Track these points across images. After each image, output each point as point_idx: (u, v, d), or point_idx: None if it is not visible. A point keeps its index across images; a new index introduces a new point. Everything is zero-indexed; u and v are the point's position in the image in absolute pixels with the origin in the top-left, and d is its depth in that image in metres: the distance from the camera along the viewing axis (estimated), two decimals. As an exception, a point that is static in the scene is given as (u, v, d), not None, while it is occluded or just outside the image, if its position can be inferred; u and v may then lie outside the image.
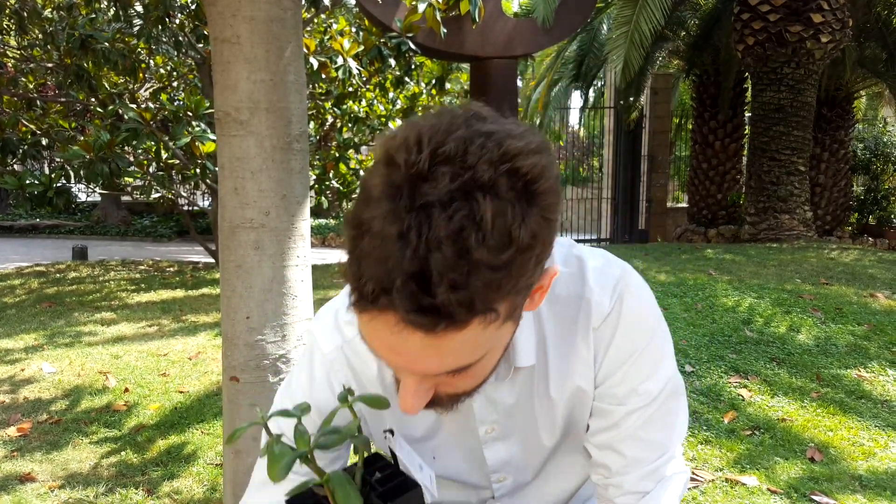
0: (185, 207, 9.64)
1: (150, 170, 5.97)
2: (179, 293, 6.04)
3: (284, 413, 0.72)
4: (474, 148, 0.58)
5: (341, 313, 0.90)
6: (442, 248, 0.55)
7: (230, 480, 1.70)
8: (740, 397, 3.23)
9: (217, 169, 1.68)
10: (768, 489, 2.45)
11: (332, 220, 14.57)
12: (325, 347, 0.91)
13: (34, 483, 2.63)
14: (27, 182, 5.10)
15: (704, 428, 2.94)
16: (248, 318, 1.63)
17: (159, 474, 2.68)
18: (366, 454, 0.76)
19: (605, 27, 11.42)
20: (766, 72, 8.32)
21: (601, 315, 0.85)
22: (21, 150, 5.56)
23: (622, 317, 0.85)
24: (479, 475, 0.99)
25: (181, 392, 3.46)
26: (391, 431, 0.80)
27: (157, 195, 6.59)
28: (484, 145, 0.58)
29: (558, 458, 1.00)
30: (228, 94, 1.58)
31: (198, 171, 5.32)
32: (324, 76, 5.32)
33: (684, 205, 12.34)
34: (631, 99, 10.96)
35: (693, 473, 2.56)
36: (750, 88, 9.49)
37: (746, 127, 10.48)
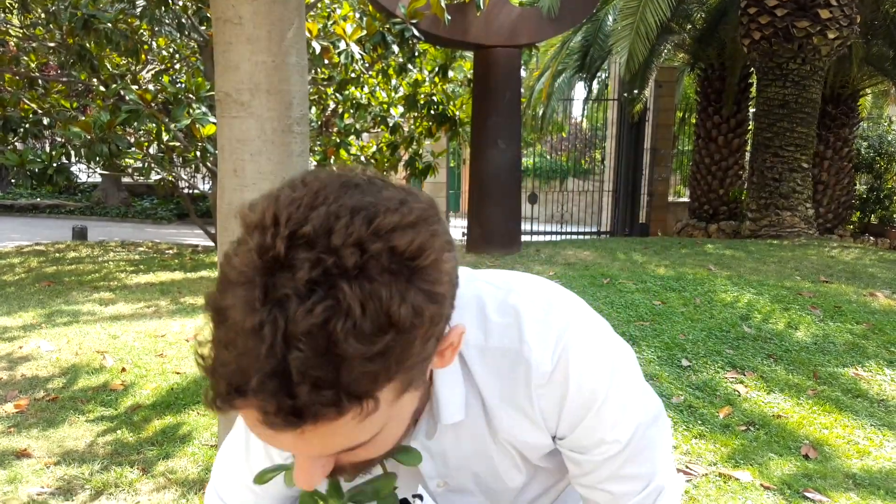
0: (186, 190, 9.62)
1: (151, 151, 5.96)
2: (178, 275, 6.04)
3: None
4: (339, 226, 0.52)
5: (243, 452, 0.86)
6: (300, 346, 0.49)
7: (224, 463, 1.70)
8: (736, 393, 3.23)
9: (216, 150, 1.67)
10: (762, 485, 2.46)
11: (332, 206, 14.55)
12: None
13: (30, 459, 2.64)
14: (29, 159, 5.10)
15: (699, 422, 2.94)
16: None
17: (154, 453, 2.69)
18: None
19: (610, 18, 11.35)
20: (771, 67, 8.27)
21: (543, 374, 0.76)
22: (22, 129, 5.55)
23: (570, 376, 0.77)
24: None
25: (178, 373, 3.46)
26: (420, 497, 0.77)
27: (158, 177, 6.58)
28: (350, 223, 0.53)
29: (532, 498, 0.96)
30: (229, 75, 1.57)
31: (198, 153, 5.31)
32: (326, 61, 5.30)
33: (685, 199, 12.32)
34: (635, 91, 10.91)
35: (686, 467, 2.57)
36: (755, 84, 9.43)
37: (750, 122, 10.43)
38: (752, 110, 10.38)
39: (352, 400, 0.52)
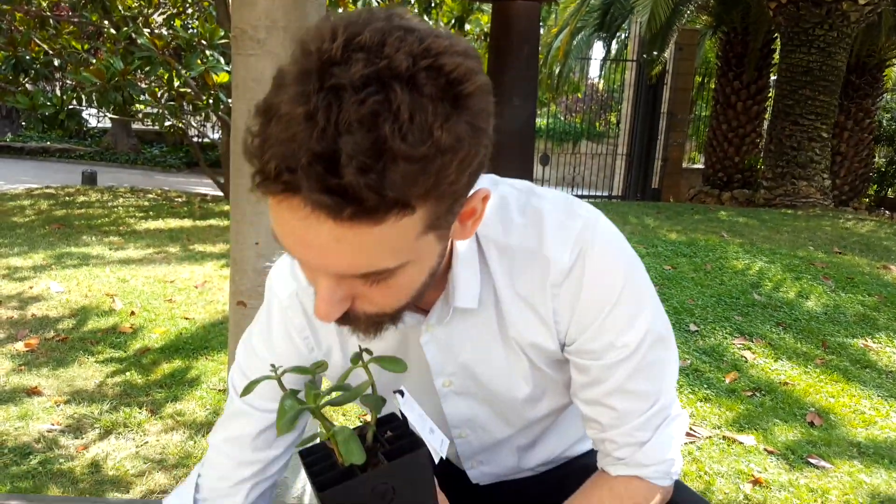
0: (195, 139, 9.57)
1: (163, 99, 5.91)
2: (187, 223, 6.05)
3: (300, 370, 0.73)
4: (393, 39, 0.54)
5: (289, 284, 0.88)
6: (352, 131, 0.51)
7: (232, 405, 1.71)
8: (743, 359, 3.23)
9: (229, 100, 1.63)
10: (765, 449, 2.46)
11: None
12: (281, 294, 0.88)
13: (40, 397, 2.67)
14: (40, 103, 5.06)
15: (705, 386, 2.94)
16: (258, 244, 1.60)
17: (163, 396, 2.71)
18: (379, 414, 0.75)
19: (634, -24, 11.09)
20: (797, 32, 8.07)
21: (561, 272, 0.78)
22: (33, 70, 5.50)
23: (586, 273, 0.78)
24: (444, 431, 0.91)
25: (186, 319, 3.48)
26: (401, 392, 0.76)
27: (168, 124, 6.53)
28: (403, 38, 0.54)
29: (539, 417, 0.95)
30: (246, 11, 1.53)
31: (210, 101, 5.26)
32: (340, 9, 5.20)
33: (700, 166, 12.19)
34: (655, 53, 10.70)
35: (691, 429, 2.57)
36: (778, 49, 9.23)
37: (770, 89, 10.25)
38: (773, 77, 10.18)
39: (393, 193, 0.54)
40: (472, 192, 0.66)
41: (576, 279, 0.78)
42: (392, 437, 0.74)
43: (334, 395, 0.74)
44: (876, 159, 10.72)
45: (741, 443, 2.49)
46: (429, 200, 0.58)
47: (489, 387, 0.89)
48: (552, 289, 0.79)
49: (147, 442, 2.39)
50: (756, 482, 2.24)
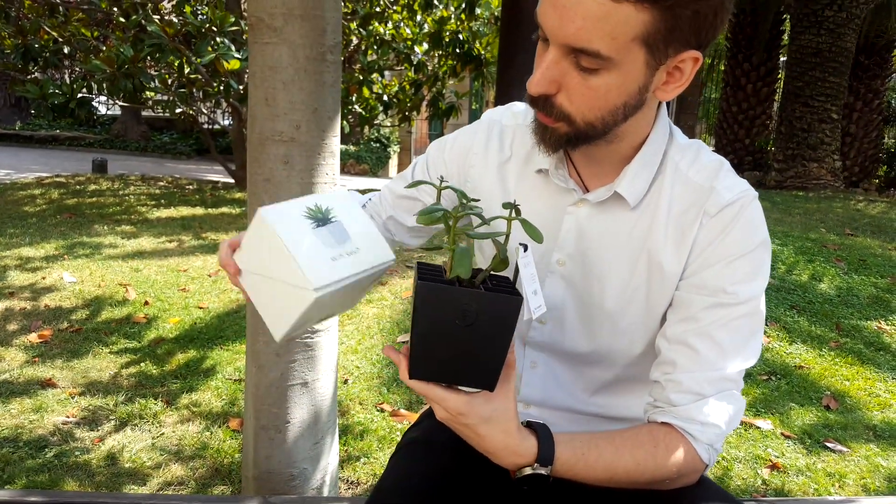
0: (206, 126, 9.56)
1: (173, 86, 5.89)
2: (199, 210, 6.05)
3: (460, 193, 0.83)
4: None
5: (508, 114, 1.04)
6: None
7: (252, 394, 1.71)
8: (758, 343, 3.22)
9: (241, 87, 1.62)
10: (782, 433, 2.46)
11: (352, 147, 14.41)
12: (484, 118, 1.05)
13: (55, 389, 2.68)
14: (50, 92, 5.06)
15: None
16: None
17: (178, 386, 2.72)
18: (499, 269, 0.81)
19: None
20: (806, 13, 7.99)
21: (718, 204, 0.88)
22: (42, 58, 5.49)
23: (740, 217, 0.87)
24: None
25: (201, 308, 3.49)
26: (525, 247, 0.81)
27: (179, 111, 6.52)
28: None
29: (614, 352, 0.98)
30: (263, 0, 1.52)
31: (220, 88, 5.24)
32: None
33: (711, 148, 12.09)
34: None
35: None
36: (787, 31, 9.14)
37: (780, 71, 10.15)
38: (782, 59, 10.09)
39: None
40: (686, 50, 0.77)
41: (727, 217, 0.87)
42: (497, 285, 0.79)
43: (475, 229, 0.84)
44: (885, 140, 10.62)
45: (758, 427, 2.49)
46: (657, 6, 0.71)
47: (592, 284, 0.95)
48: (704, 217, 0.88)
49: (163, 433, 2.40)
50: (774, 467, 2.24)
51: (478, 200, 0.88)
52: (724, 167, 0.91)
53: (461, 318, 0.74)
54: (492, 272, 0.81)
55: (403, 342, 3.06)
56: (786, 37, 9.94)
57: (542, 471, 0.82)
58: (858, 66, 9.35)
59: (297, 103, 1.56)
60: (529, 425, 0.85)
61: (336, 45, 1.60)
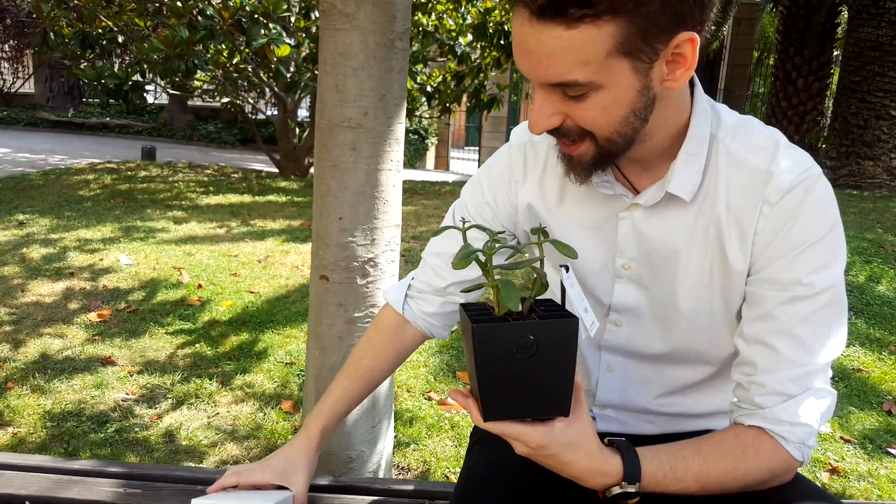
0: (251, 115, 9.68)
1: (220, 75, 5.97)
2: (246, 198, 6.14)
3: (484, 229, 0.82)
4: None
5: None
6: None
7: (313, 376, 1.73)
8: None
9: (288, 74, 1.63)
10: (842, 438, 2.40)
11: (392, 138, 14.42)
12: (514, 140, 1.02)
13: (114, 367, 2.76)
14: (106, 75, 5.17)
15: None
16: (341, 219, 1.61)
17: (232, 368, 2.77)
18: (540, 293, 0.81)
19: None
20: (866, 5, 7.75)
21: (778, 190, 0.82)
22: (99, 45, 5.62)
23: (805, 202, 0.81)
24: (601, 308, 0.99)
25: (252, 293, 3.54)
26: (566, 268, 0.81)
27: (226, 100, 6.62)
28: None
29: (686, 345, 0.96)
30: (334, -15, 1.52)
31: (270, 76, 5.30)
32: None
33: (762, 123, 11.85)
34: (712, 28, 10.39)
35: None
36: (843, 23, 8.88)
37: (833, 66, 9.87)
38: (836, 52, 9.80)
39: (582, 13, 0.68)
40: (675, 34, 0.73)
41: (791, 204, 0.82)
42: (547, 311, 0.78)
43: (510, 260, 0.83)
44: (946, 139, 10.26)
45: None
46: (617, 15, 0.69)
47: (664, 284, 0.92)
48: (765, 206, 0.83)
49: (218, 413, 2.45)
50: (833, 471, 2.19)
51: (502, 237, 0.86)
52: (781, 144, 0.85)
53: (522, 351, 0.74)
54: (536, 298, 0.80)
55: (465, 384, 3.07)
56: (840, 30, 9.65)
57: (631, 489, 0.80)
58: (919, 62, 9.05)
59: (365, 90, 1.57)
60: (611, 444, 0.83)
61: (405, 31, 1.60)
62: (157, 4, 6.10)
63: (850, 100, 7.98)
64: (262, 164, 9.91)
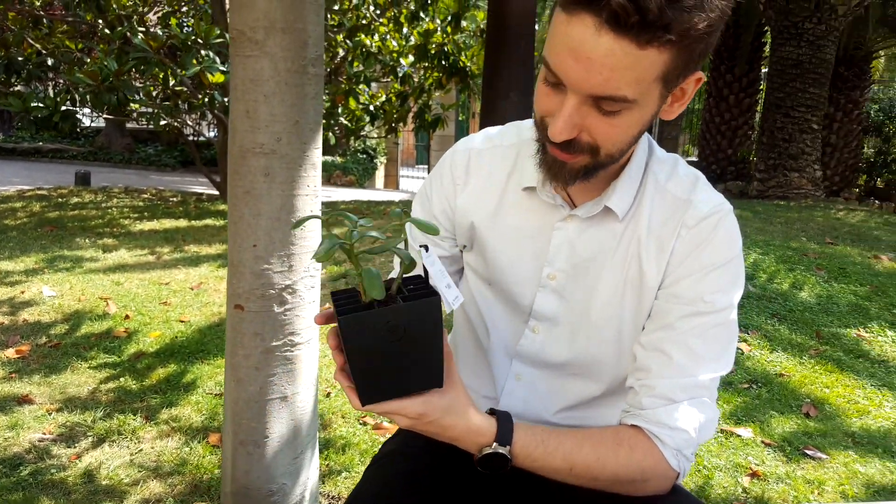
0: (191, 137, 9.52)
1: (158, 98, 5.87)
2: (182, 223, 6.02)
3: (344, 215, 0.85)
4: None
5: (479, 138, 1.06)
6: None
7: (231, 409, 1.70)
8: (740, 351, 3.24)
9: (226, 99, 1.62)
10: (762, 441, 2.48)
11: (338, 158, 14.39)
12: (458, 147, 1.06)
13: (32, 405, 2.64)
14: (32, 105, 5.03)
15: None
16: (255, 246, 1.60)
17: (158, 401, 2.70)
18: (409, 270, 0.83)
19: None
20: (786, 26, 8.11)
21: (697, 216, 0.91)
22: (26, 71, 5.46)
23: (717, 229, 0.91)
24: (520, 315, 1.03)
25: (182, 321, 3.47)
26: (426, 247, 0.84)
27: (164, 123, 6.51)
28: None
29: (590, 356, 1.00)
30: (245, 12, 1.52)
31: (206, 100, 5.24)
32: (336, 7, 5.19)
33: (694, 158, 12.21)
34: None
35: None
36: (769, 42, 9.26)
37: (762, 82, 10.28)
38: (764, 70, 10.21)
39: (659, 27, 0.70)
40: (694, 72, 0.80)
41: (705, 230, 0.91)
42: (414, 289, 0.81)
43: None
44: (865, 150, 10.76)
45: (739, 436, 2.51)
46: (676, 45, 0.73)
47: (581, 296, 0.98)
48: (682, 229, 0.92)
49: (142, 449, 2.37)
50: (754, 475, 2.26)
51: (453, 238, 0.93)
52: (700, 180, 0.95)
53: (390, 334, 0.76)
54: (403, 276, 0.83)
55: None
56: (767, 48, 10.07)
57: (502, 450, 0.84)
58: (838, 78, 9.49)
59: (278, 115, 1.56)
60: (492, 412, 0.88)
61: (318, 57, 1.61)
62: (88, 27, 5.97)
63: (775, 115, 8.31)
64: (203, 186, 9.74)
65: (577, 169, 0.85)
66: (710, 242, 0.90)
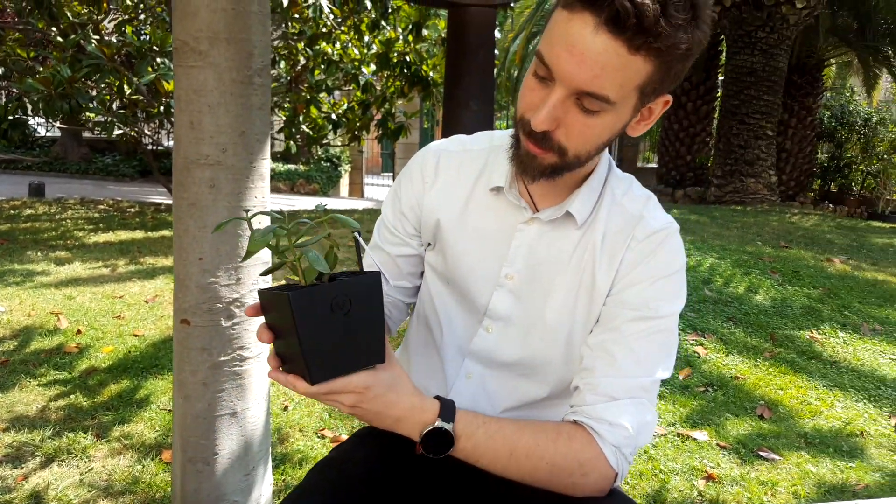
0: (149, 146, 9.36)
1: (113, 107, 5.75)
2: (139, 234, 5.91)
3: (267, 213, 0.90)
4: None
5: (452, 141, 1.10)
6: None
7: (179, 425, 1.67)
8: (696, 354, 3.29)
9: (174, 103, 1.60)
10: (717, 444, 2.51)
11: (301, 166, 14.29)
12: (432, 147, 1.10)
13: (-22, 425, 2.56)
14: (-22, 113, 4.89)
15: (660, 383, 2.98)
16: (202, 260, 1.57)
17: (110, 418, 2.63)
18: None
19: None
20: (741, 35, 8.30)
21: (647, 230, 0.97)
22: (-28, 79, 5.31)
23: (664, 244, 0.97)
24: (475, 315, 1.06)
25: (136, 335, 3.39)
26: (358, 232, 0.86)
27: (119, 132, 6.38)
28: None
29: (541, 356, 1.04)
30: (188, 22, 1.50)
31: (161, 108, 5.15)
32: (296, 15, 5.16)
33: (654, 165, 12.40)
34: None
35: (646, 428, 2.61)
36: (724, 51, 9.46)
37: (718, 90, 10.49)
38: (720, 78, 10.43)
39: (651, 36, 0.76)
40: (664, 92, 0.86)
41: (653, 243, 0.97)
42: (348, 276, 0.85)
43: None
44: (819, 155, 11.05)
45: (695, 439, 2.54)
46: (660, 58, 0.79)
47: (537, 298, 1.02)
48: (632, 241, 0.97)
49: (92, 468, 2.30)
50: (709, 478, 2.29)
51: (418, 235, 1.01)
52: (652, 200, 1.02)
53: (338, 308, 0.80)
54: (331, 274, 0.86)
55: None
56: (723, 57, 10.28)
57: (446, 426, 0.86)
58: (792, 85, 9.74)
59: (223, 126, 1.54)
60: (436, 398, 0.91)
61: (264, 67, 1.59)
62: (41, 34, 5.84)
63: (731, 122, 8.48)
64: (161, 196, 9.58)
65: (545, 165, 0.89)
66: (658, 255, 0.96)
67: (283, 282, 0.89)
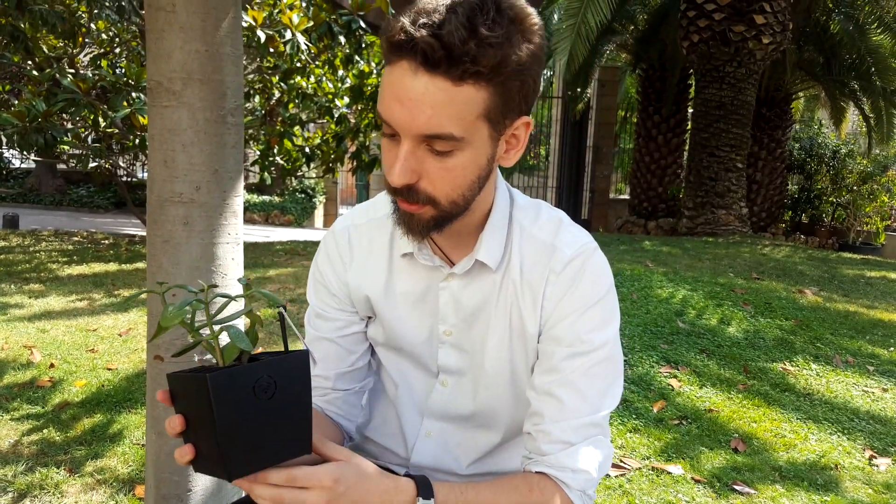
0: (124, 178, 9.31)
1: (88, 140, 5.73)
2: (113, 266, 5.85)
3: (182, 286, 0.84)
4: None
5: (356, 213, 1.09)
6: (461, 10, 0.76)
7: (152, 462, 1.65)
8: (670, 387, 3.32)
9: (148, 142, 1.61)
10: (692, 478, 2.53)
11: (276, 198, 14.28)
12: (336, 227, 1.09)
13: (-53, 461, 2.51)
14: (-50, 146, 4.85)
15: (634, 416, 3.01)
16: (175, 296, 1.57)
17: (83, 453, 2.59)
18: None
19: (556, 16, 11.47)
20: (709, 69, 8.50)
21: (562, 261, 0.95)
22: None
23: (583, 270, 0.95)
24: (430, 373, 1.07)
25: (109, 369, 3.35)
26: (284, 307, 0.83)
27: (94, 164, 6.34)
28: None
29: (490, 406, 1.04)
30: (161, 63, 1.52)
31: (136, 142, 5.15)
32: (272, 50, 5.21)
33: (626, 196, 12.58)
34: (578, 90, 11.07)
35: (621, 461, 2.62)
36: (693, 85, 9.69)
37: (689, 123, 10.72)
38: (690, 111, 10.66)
39: (469, 64, 0.76)
40: (519, 116, 0.85)
41: (572, 273, 0.95)
42: (270, 355, 0.78)
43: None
44: (789, 187, 11.29)
45: (669, 473, 2.55)
46: (491, 83, 0.78)
47: (475, 346, 1.02)
48: (551, 275, 0.96)
49: None
50: (683, 510, 2.30)
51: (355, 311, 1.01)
52: (563, 222, 1.00)
53: (262, 392, 0.71)
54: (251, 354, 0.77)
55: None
56: (692, 90, 10.52)
57: (429, 502, 0.84)
58: (761, 118, 9.98)
59: (196, 165, 1.56)
60: (406, 475, 0.88)
61: (237, 107, 1.62)
62: (16, 68, 5.82)
63: (701, 154, 8.65)
64: (136, 227, 9.50)
65: (425, 220, 0.87)
66: (580, 284, 0.95)
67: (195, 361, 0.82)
